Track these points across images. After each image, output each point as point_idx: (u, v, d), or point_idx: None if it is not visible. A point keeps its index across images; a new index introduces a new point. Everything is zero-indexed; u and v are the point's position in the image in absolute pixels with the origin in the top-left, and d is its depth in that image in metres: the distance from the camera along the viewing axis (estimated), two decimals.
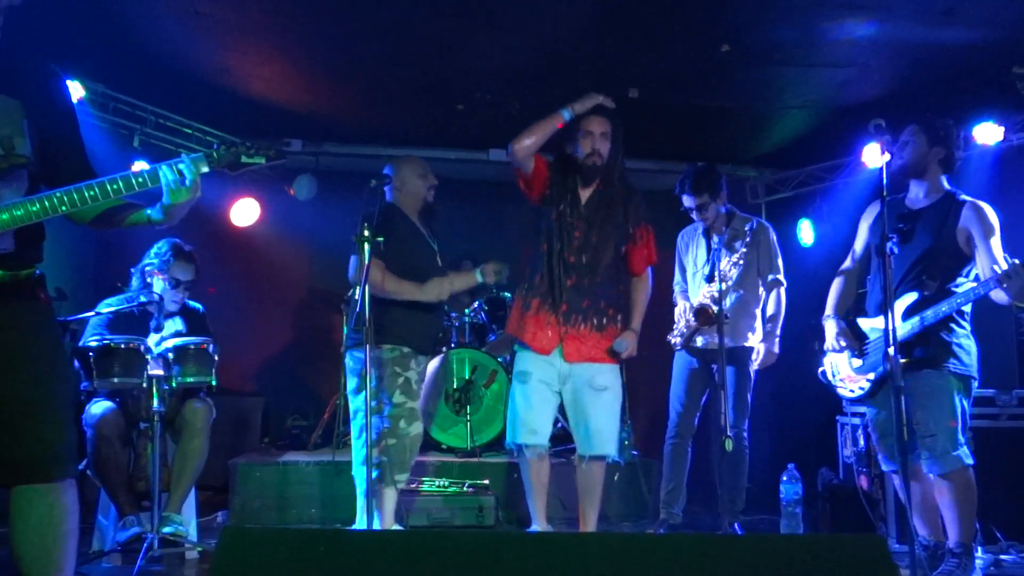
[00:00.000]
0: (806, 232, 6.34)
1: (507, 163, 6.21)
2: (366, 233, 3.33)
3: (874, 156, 5.27)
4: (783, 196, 6.53)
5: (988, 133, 5.02)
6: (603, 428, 3.46)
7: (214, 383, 3.73)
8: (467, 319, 5.65)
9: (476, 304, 5.69)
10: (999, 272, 3.06)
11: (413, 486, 4.44)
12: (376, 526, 3.47)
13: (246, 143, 2.32)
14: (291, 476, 4.71)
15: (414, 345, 3.62)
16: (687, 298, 4.34)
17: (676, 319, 4.31)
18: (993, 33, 4.27)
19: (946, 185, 3.45)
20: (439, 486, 4.55)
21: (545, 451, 3.54)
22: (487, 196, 6.51)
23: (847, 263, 3.72)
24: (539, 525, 3.54)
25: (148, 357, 3.56)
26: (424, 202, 3.83)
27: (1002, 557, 3.80)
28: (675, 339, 4.26)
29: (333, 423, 5.31)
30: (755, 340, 4.25)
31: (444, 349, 5.33)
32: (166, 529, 3.54)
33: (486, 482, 4.64)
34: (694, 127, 5.81)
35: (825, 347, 3.63)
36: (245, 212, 6.22)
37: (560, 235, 3.49)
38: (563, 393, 3.52)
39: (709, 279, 4.07)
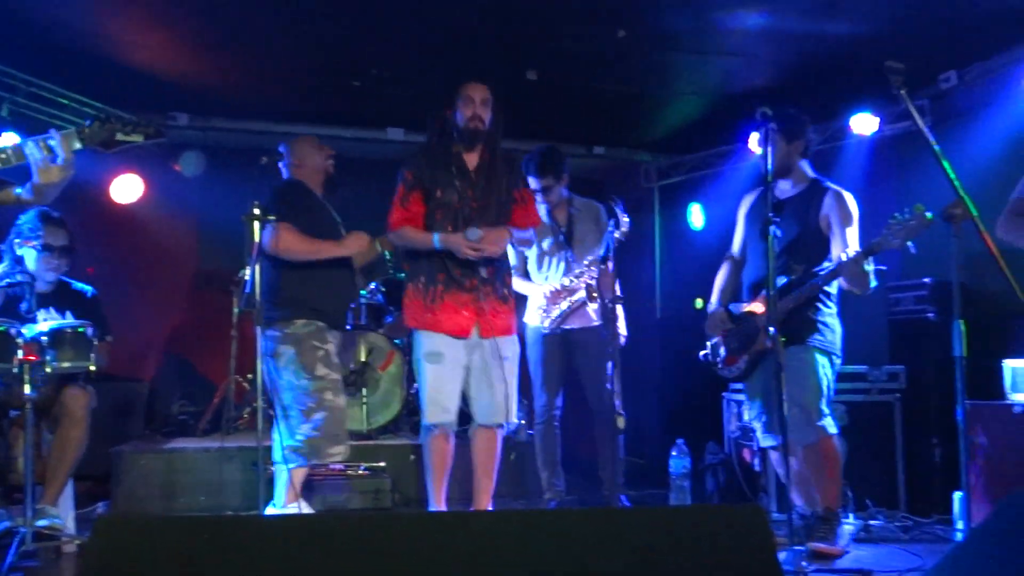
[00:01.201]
0: (696, 216, 6.54)
1: (405, 142, 6.20)
2: (256, 211, 3.23)
3: (757, 144, 5.49)
4: (675, 180, 6.71)
5: (865, 123, 5.30)
6: (508, 395, 3.51)
7: (93, 368, 3.55)
8: (363, 301, 5.56)
9: (373, 286, 5.61)
10: (834, 264, 3.30)
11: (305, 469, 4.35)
12: (305, 508, 3.47)
13: (123, 118, 2.19)
14: (178, 464, 4.55)
15: (328, 319, 3.56)
16: (527, 280, 4.39)
17: (548, 301, 4.32)
18: (871, 27, 4.49)
19: (810, 173, 3.65)
20: (334, 469, 4.48)
21: (452, 430, 3.55)
22: (384, 176, 6.36)
23: (730, 251, 3.89)
24: (438, 506, 3.55)
25: (19, 341, 3.34)
26: (326, 174, 3.75)
27: (871, 523, 4.04)
28: (546, 321, 4.28)
29: (223, 408, 5.15)
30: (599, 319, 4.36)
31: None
32: (40, 522, 3.35)
33: (382, 464, 4.60)
34: (590, 111, 5.88)
35: (707, 332, 3.80)
36: (127, 188, 5.91)
37: (458, 209, 3.47)
38: (469, 365, 3.53)
39: (603, 260, 4.15)
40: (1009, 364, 4.10)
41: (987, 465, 3.95)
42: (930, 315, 4.52)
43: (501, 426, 3.56)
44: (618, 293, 3.84)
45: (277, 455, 3.48)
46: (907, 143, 5.23)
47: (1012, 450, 3.88)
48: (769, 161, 3.29)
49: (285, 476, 3.47)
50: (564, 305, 4.25)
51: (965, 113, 5.00)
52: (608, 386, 4.28)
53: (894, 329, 4.76)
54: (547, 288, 4.32)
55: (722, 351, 3.76)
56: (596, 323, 4.30)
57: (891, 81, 2.73)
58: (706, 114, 5.89)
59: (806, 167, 3.65)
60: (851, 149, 5.38)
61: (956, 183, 2.62)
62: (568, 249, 4.34)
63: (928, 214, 2.95)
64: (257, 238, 3.29)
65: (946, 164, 2.64)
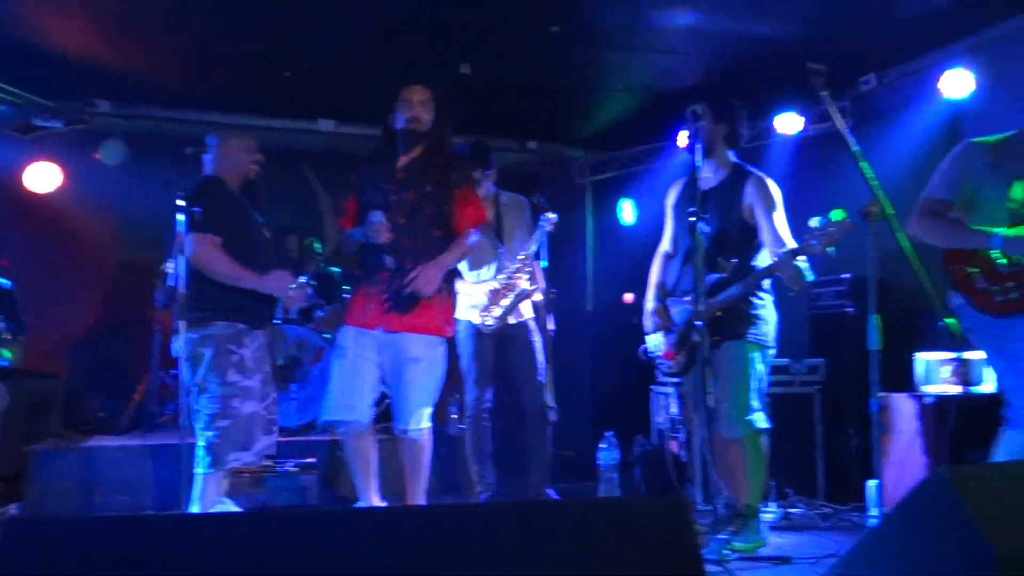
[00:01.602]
0: (628, 212, 6.63)
1: (337, 133, 6.11)
2: (180, 203, 3.14)
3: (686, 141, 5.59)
4: (607, 176, 6.78)
5: (789, 123, 5.45)
6: (414, 400, 3.39)
7: (5, 364, 3.40)
8: None
9: (303, 279, 5.50)
10: (772, 261, 3.30)
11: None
12: (220, 508, 3.36)
13: (40, 104, 2.09)
14: (97, 462, 4.39)
15: (249, 321, 3.46)
16: (460, 277, 4.35)
17: (489, 300, 4.31)
18: (797, 29, 4.61)
19: (732, 159, 3.62)
20: (262, 466, 4.39)
21: (364, 427, 3.43)
22: (315, 168, 6.31)
23: (663, 245, 3.88)
24: (368, 502, 3.50)
25: None
26: (245, 178, 3.62)
27: (791, 511, 4.17)
28: (490, 319, 4.27)
29: (145, 404, 5.00)
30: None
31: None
32: None
33: (311, 460, 4.54)
34: (523, 105, 5.90)
35: (645, 326, 3.80)
36: (42, 177, 5.68)
37: (381, 203, 3.41)
38: (383, 365, 3.44)
39: (536, 256, 4.19)
40: (921, 357, 4.28)
41: (900, 454, 4.12)
42: (849, 310, 4.68)
43: (417, 430, 3.43)
44: (547, 288, 3.85)
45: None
46: (830, 142, 5.39)
47: (923, 439, 4.05)
48: (698, 156, 3.36)
49: (200, 481, 3.38)
50: (506, 303, 4.23)
51: (884, 114, 5.19)
52: (539, 380, 4.33)
53: (815, 323, 4.92)
54: (486, 287, 4.29)
55: (661, 346, 3.76)
56: (528, 318, 4.32)
57: (813, 82, 2.81)
58: (638, 111, 5.96)
59: (729, 155, 3.61)
60: (776, 148, 5.53)
61: (873, 183, 2.71)
62: (500, 245, 4.35)
63: (849, 221, 2.94)
64: (181, 230, 3.19)
65: (864, 164, 2.74)
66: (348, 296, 3.53)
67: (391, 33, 4.72)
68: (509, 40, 4.82)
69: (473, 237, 3.56)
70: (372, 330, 3.40)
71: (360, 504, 3.50)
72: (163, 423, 5.11)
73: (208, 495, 3.34)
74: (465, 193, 3.59)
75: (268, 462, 4.40)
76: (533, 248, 4.23)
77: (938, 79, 4.69)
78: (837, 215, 2.94)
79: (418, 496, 3.50)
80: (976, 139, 3.16)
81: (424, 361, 3.40)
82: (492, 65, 5.16)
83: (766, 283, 3.51)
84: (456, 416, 5.04)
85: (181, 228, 3.23)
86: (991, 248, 2.96)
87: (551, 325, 4.36)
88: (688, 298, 3.55)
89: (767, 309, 3.52)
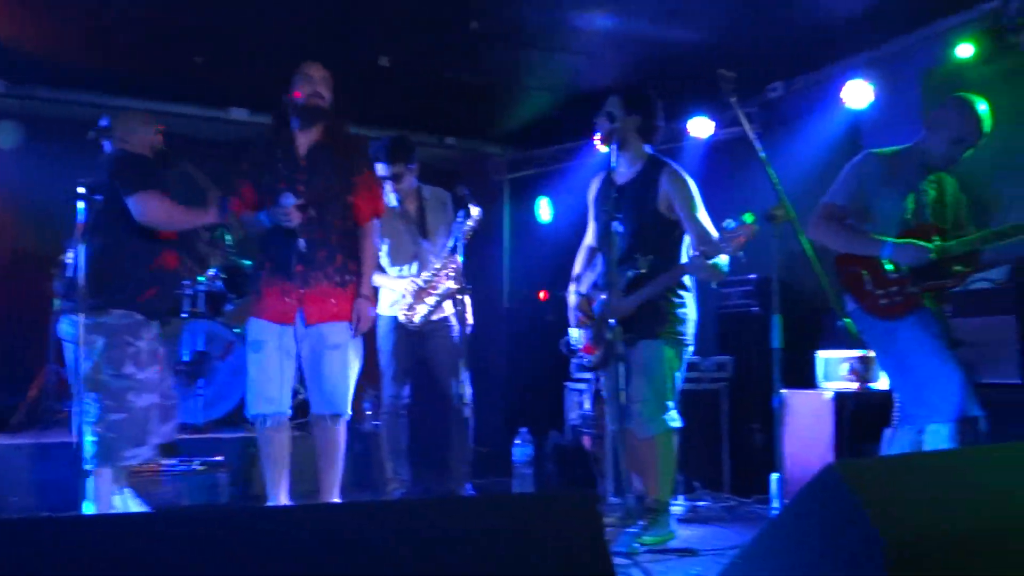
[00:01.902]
0: (545, 209, 6.69)
1: (249, 122, 5.95)
2: (81, 190, 3.01)
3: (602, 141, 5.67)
4: (525, 174, 6.82)
5: (701, 127, 5.60)
6: (336, 385, 3.40)
7: None
8: (202, 287, 5.31)
9: (212, 271, 5.36)
10: (686, 261, 3.37)
11: (136, 467, 4.11)
12: (133, 506, 3.27)
13: None
14: None
15: (147, 312, 3.34)
16: (383, 273, 4.34)
17: (414, 298, 4.29)
18: (709, 36, 4.75)
19: (647, 152, 3.61)
20: (166, 465, 4.26)
21: (285, 419, 3.43)
22: (225, 158, 6.08)
23: (587, 239, 3.87)
24: (278, 500, 3.44)
25: None
26: (154, 148, 3.51)
27: (698, 504, 4.30)
28: (413, 315, 4.22)
29: (40, 401, 4.78)
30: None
31: (174, 319, 4.98)
32: None
33: (220, 458, 4.42)
34: (442, 100, 5.88)
35: (569, 319, 3.81)
36: None
37: (287, 189, 3.33)
38: (300, 354, 3.42)
39: (453, 251, 4.16)
40: (821, 355, 4.47)
41: (801, 448, 4.29)
42: (754, 309, 4.85)
43: (338, 416, 3.45)
44: (464, 284, 3.84)
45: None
46: (739, 147, 5.55)
47: (822, 433, 4.23)
48: (612, 156, 3.40)
49: (92, 479, 3.25)
50: (431, 301, 4.19)
51: (790, 121, 5.39)
52: (461, 376, 4.30)
53: (722, 322, 5.07)
54: (408, 284, 4.24)
55: (581, 340, 3.76)
56: (448, 313, 4.30)
57: (723, 88, 2.90)
58: (556, 110, 6.02)
59: (644, 148, 3.60)
60: (689, 151, 5.67)
61: (778, 187, 2.81)
62: (423, 240, 4.31)
63: (757, 226, 2.99)
64: (81, 218, 3.06)
65: (770, 169, 2.84)
66: (260, 287, 3.41)
67: (309, 21, 4.62)
68: (429, 34, 4.79)
69: (375, 234, 3.58)
70: (291, 324, 3.36)
71: (271, 502, 3.44)
72: (60, 420, 4.88)
73: (104, 493, 3.22)
74: (367, 181, 3.57)
75: (173, 459, 4.27)
76: (450, 244, 4.21)
77: (840, 89, 4.89)
78: (749, 218, 2.99)
79: (333, 487, 3.47)
80: (874, 150, 3.33)
81: (343, 347, 3.42)
82: (411, 59, 5.12)
83: (687, 280, 3.52)
84: (371, 412, 4.99)
85: (82, 216, 3.09)
86: (881, 256, 3.12)
87: (470, 320, 4.35)
88: (605, 294, 3.55)
89: (687, 307, 3.53)
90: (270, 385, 3.36)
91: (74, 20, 4.65)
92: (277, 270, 3.37)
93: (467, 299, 4.24)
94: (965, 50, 4.36)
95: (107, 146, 3.44)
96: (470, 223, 4.01)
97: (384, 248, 4.34)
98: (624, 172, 3.60)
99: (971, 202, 3.39)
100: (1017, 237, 3.04)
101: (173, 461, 4.27)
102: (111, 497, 3.26)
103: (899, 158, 3.26)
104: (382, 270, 4.33)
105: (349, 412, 3.48)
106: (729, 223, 3.05)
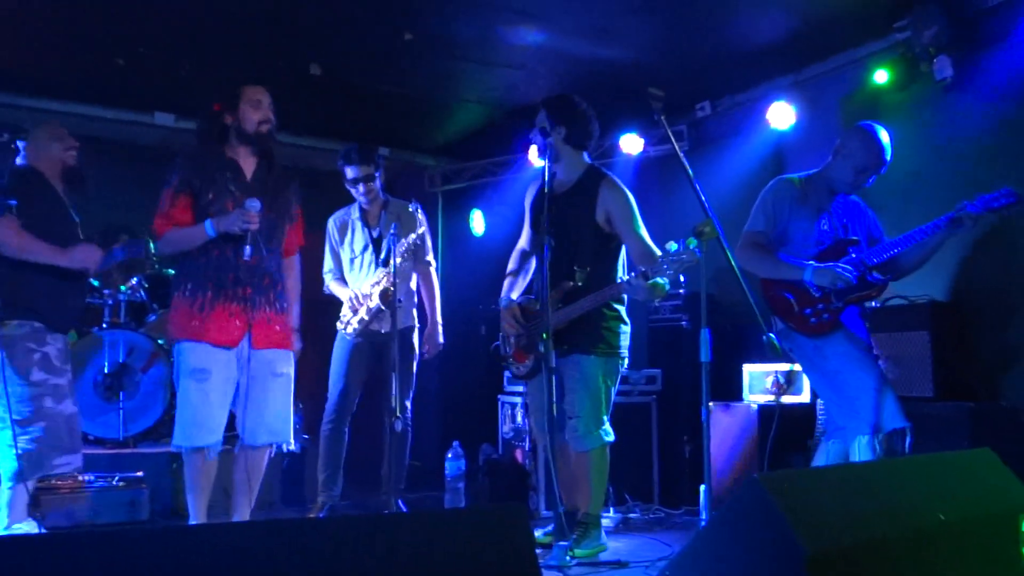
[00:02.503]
0: (477, 222, 6.70)
1: (175, 128, 5.80)
2: None
3: (536, 155, 5.72)
4: (458, 186, 6.83)
5: (631, 144, 5.70)
6: (280, 415, 3.32)
7: None
8: (124, 297, 5.14)
9: (135, 281, 5.19)
10: (623, 280, 3.37)
11: (52, 482, 3.94)
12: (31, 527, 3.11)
13: None
14: None
15: (48, 320, 3.21)
16: (344, 284, 4.33)
17: (352, 304, 4.25)
18: (639, 55, 4.85)
19: (586, 160, 3.62)
20: (82, 481, 4.09)
21: (221, 448, 3.28)
22: (150, 162, 5.92)
23: (520, 242, 3.87)
24: (199, 520, 3.32)
25: None
26: (64, 166, 3.37)
27: (629, 515, 4.35)
28: (351, 326, 4.20)
29: None
30: (412, 321, 4.37)
31: (94, 329, 4.81)
32: None
33: (140, 474, 4.27)
34: (375, 111, 5.84)
35: (501, 326, 3.78)
36: None
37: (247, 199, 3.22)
38: (239, 382, 3.28)
39: (384, 263, 4.12)
40: (748, 368, 4.59)
41: (728, 460, 4.39)
42: (684, 323, 4.95)
43: (269, 445, 3.36)
44: (397, 297, 3.79)
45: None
46: (669, 164, 5.68)
47: (749, 445, 4.33)
48: (546, 173, 3.43)
49: (7, 493, 3.11)
50: (363, 312, 4.15)
51: (717, 140, 5.54)
52: (394, 390, 4.25)
53: (653, 335, 5.16)
54: (351, 293, 4.22)
55: (512, 347, 3.75)
56: (406, 325, 4.25)
57: (652, 106, 2.95)
58: (488, 123, 6.05)
59: (582, 156, 3.62)
60: (619, 167, 5.76)
61: (705, 204, 2.88)
62: (376, 254, 4.26)
63: (697, 256, 2.98)
64: None
65: (697, 186, 2.90)
66: (196, 308, 3.24)
67: (238, 26, 4.54)
68: (362, 44, 4.76)
69: (298, 264, 3.58)
70: (234, 347, 3.24)
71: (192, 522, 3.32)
72: None
73: (16, 510, 3.08)
74: (298, 214, 3.55)
75: (90, 475, 4.11)
76: (381, 255, 4.18)
77: (766, 110, 5.05)
78: (692, 243, 2.97)
79: (246, 513, 3.37)
80: (785, 176, 3.46)
81: (287, 376, 3.36)
82: (344, 68, 5.07)
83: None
84: (299, 427, 4.90)
85: None
86: (803, 280, 3.22)
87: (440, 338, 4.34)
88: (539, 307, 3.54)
89: (618, 320, 3.54)
90: (214, 416, 3.20)
91: None
92: (222, 291, 3.23)
93: (415, 313, 4.23)
94: (881, 76, 4.55)
95: (23, 153, 3.30)
96: (413, 236, 4.01)
97: (346, 256, 4.30)
98: (562, 181, 3.61)
99: (888, 215, 3.53)
100: (927, 239, 3.16)
101: (91, 477, 4.11)
102: (21, 520, 3.11)
103: (809, 183, 3.39)
104: (344, 281, 4.28)
105: (291, 441, 3.40)
106: (672, 245, 3.06)
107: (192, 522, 3.30)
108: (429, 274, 4.43)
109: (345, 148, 4.27)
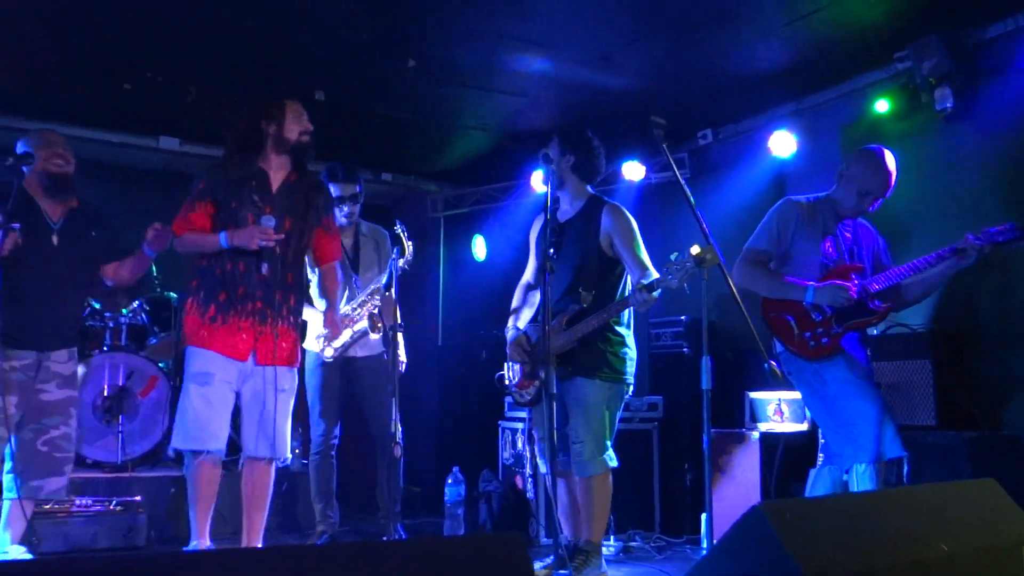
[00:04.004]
0: (479, 247, 6.71)
1: (179, 152, 5.84)
2: None
3: (540, 182, 5.76)
4: (460, 212, 6.85)
5: (633, 171, 5.72)
6: (282, 430, 3.34)
7: None
8: (125, 320, 5.14)
9: (136, 304, 5.19)
10: (629, 294, 3.36)
11: (48, 507, 3.92)
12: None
13: None
14: None
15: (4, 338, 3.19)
16: (313, 306, 4.26)
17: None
18: (641, 83, 4.89)
19: (589, 191, 3.65)
20: (80, 505, 4.07)
21: (220, 458, 3.31)
22: (154, 187, 6.01)
23: (526, 275, 3.87)
24: (200, 542, 3.30)
25: None
26: (46, 173, 3.35)
27: (630, 544, 4.31)
28: (328, 350, 4.12)
29: None
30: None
31: (95, 352, 4.81)
32: None
33: (138, 499, 4.25)
34: (379, 136, 5.88)
35: (508, 356, 3.76)
36: None
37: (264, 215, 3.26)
38: (241, 392, 3.30)
39: (387, 288, 4.11)
40: (751, 395, 4.57)
41: (731, 488, 4.36)
42: (685, 350, 4.94)
43: (272, 460, 3.37)
44: (399, 321, 3.78)
45: None
46: (670, 191, 5.70)
47: (752, 473, 4.30)
48: (549, 199, 3.43)
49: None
50: (347, 335, 4.13)
51: (719, 167, 5.56)
52: (392, 414, 4.23)
53: (654, 362, 5.14)
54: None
55: (517, 375, 3.73)
56: (379, 351, 4.24)
57: (654, 134, 2.97)
58: (491, 149, 6.08)
59: (586, 187, 3.64)
60: (621, 193, 5.78)
61: (706, 231, 2.89)
62: (354, 275, 4.28)
63: (708, 256, 2.94)
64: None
65: (698, 213, 2.91)
66: (206, 319, 3.27)
67: (243, 52, 4.58)
68: (366, 70, 4.80)
69: (338, 272, 3.68)
70: (242, 361, 3.26)
71: (193, 544, 3.30)
72: None
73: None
74: (329, 224, 3.58)
75: (88, 499, 4.09)
76: (383, 280, 4.18)
77: (767, 138, 5.08)
78: (695, 249, 2.96)
79: (259, 531, 3.37)
80: (792, 197, 3.46)
81: (289, 392, 3.38)
82: (347, 94, 5.11)
83: (626, 315, 3.52)
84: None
85: None
86: (804, 301, 3.22)
87: (403, 358, 4.31)
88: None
89: (627, 346, 3.53)
90: (215, 420, 3.23)
91: None
92: (232, 305, 3.25)
93: (400, 337, 4.19)
94: (882, 105, 4.58)
95: (26, 175, 3.30)
96: (401, 262, 4.00)
97: (314, 279, 4.29)
98: (566, 210, 3.63)
99: (890, 245, 3.54)
100: (930, 270, 3.18)
101: (88, 501, 4.09)
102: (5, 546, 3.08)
103: (816, 206, 3.40)
104: (310, 302, 4.27)
105: (289, 457, 3.40)
106: (675, 255, 3.06)
107: (193, 539, 3.29)
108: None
109: (329, 166, 4.26)
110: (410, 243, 3.98)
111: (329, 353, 4.13)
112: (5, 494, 3.25)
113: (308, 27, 4.30)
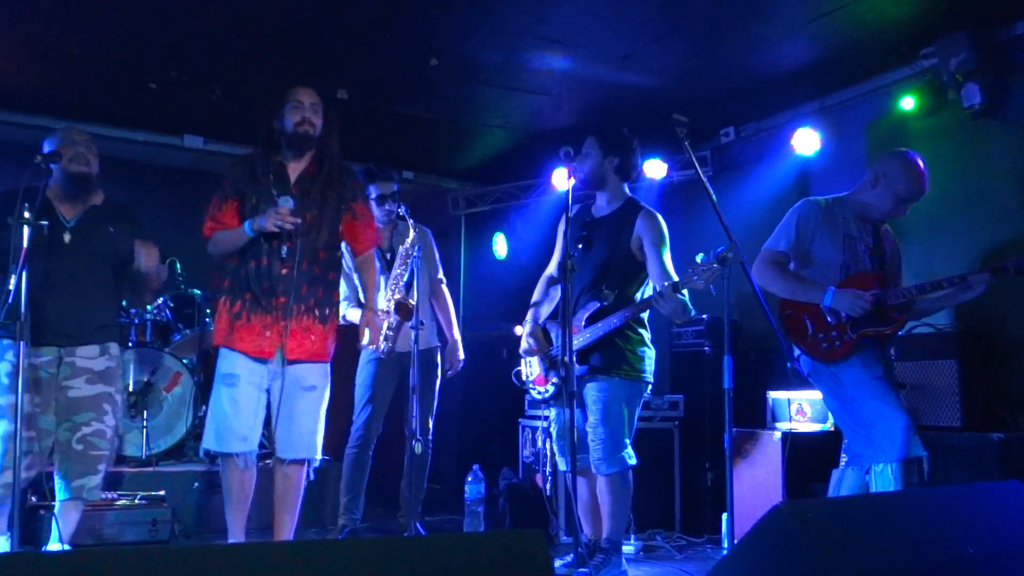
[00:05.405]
0: (500, 245, 6.72)
1: (204, 151, 5.90)
2: (26, 215, 2.93)
3: (562, 179, 5.75)
4: (481, 210, 6.86)
5: (655, 169, 5.70)
6: (309, 430, 3.27)
7: None
8: (149, 317, 5.20)
9: (161, 300, 5.25)
10: (654, 292, 3.35)
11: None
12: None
13: None
14: None
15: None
16: (360, 308, 4.30)
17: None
18: (663, 82, 4.87)
19: (627, 192, 3.66)
20: (106, 499, 4.12)
21: (254, 460, 3.26)
22: (179, 185, 6.07)
23: (549, 268, 3.86)
24: (237, 539, 3.28)
25: None
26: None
27: (651, 543, 4.29)
28: (377, 344, 4.16)
29: None
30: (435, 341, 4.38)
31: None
32: None
33: (161, 493, 4.29)
34: (401, 135, 5.90)
35: (521, 347, 3.76)
36: None
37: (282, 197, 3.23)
38: (270, 390, 3.26)
39: (408, 286, 4.11)
40: (772, 395, 4.54)
41: (752, 487, 4.33)
42: (706, 349, 4.91)
43: (303, 461, 3.31)
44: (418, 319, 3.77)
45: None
46: (693, 189, 5.68)
47: (773, 473, 4.27)
48: (570, 197, 3.42)
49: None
50: (385, 327, 4.10)
51: (741, 165, 5.53)
52: (431, 410, 4.25)
53: (675, 361, 5.12)
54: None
55: (534, 371, 3.72)
56: (434, 344, 4.26)
57: (676, 132, 2.96)
58: (512, 147, 6.08)
59: (624, 187, 3.65)
60: (644, 191, 5.76)
61: (727, 229, 2.87)
62: (387, 273, 4.26)
63: (730, 255, 2.92)
64: (25, 243, 2.95)
65: (720, 211, 2.89)
66: (232, 317, 3.26)
67: (268, 50, 4.62)
68: (388, 69, 4.82)
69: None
70: (269, 359, 3.23)
71: (230, 539, 3.30)
72: None
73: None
74: (362, 211, 3.50)
75: (112, 494, 4.13)
76: (405, 278, 4.18)
77: (790, 136, 5.04)
78: (723, 254, 2.93)
79: (289, 532, 3.34)
80: (813, 198, 3.43)
81: (318, 389, 3.32)
82: (370, 93, 5.13)
83: (644, 315, 3.51)
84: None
85: (25, 240, 2.99)
86: (822, 304, 3.19)
87: (461, 355, 4.35)
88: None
89: (642, 344, 3.52)
90: (243, 422, 3.19)
91: (25, 42, 4.58)
92: (258, 302, 3.23)
93: (457, 332, 4.21)
94: (908, 103, 4.53)
95: (54, 173, 3.32)
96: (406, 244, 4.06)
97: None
98: (601, 207, 3.65)
99: (904, 251, 3.50)
100: (950, 288, 3.14)
101: (114, 495, 4.14)
102: None
103: (838, 206, 3.36)
104: (360, 305, 4.28)
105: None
106: (701, 256, 3.04)
107: (230, 538, 3.28)
108: (441, 291, 4.44)
109: (366, 167, 4.28)
110: (413, 229, 4.03)
111: (381, 347, 4.06)
112: (59, 495, 3.26)
113: (331, 26, 4.32)
